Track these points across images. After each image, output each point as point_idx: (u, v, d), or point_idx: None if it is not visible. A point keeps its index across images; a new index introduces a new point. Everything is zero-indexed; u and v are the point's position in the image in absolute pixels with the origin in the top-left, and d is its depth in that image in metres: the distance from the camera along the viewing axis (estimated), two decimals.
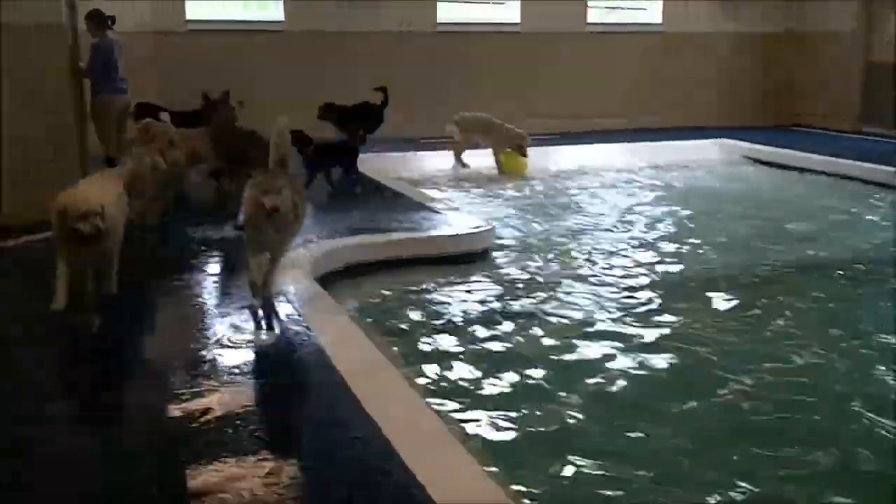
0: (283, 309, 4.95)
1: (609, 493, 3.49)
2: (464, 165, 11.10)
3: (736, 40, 14.88)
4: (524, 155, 10.63)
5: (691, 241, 7.71)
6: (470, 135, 10.94)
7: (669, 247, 7.50)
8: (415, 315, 5.59)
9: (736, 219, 8.67)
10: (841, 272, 6.75)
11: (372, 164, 10.07)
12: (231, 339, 4.48)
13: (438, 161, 11.35)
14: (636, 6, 14.92)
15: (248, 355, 4.32)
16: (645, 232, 8.05)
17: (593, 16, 14.34)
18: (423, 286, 6.12)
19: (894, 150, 11.58)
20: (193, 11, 12.42)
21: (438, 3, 13.44)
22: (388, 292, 5.97)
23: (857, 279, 6.62)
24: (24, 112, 6.97)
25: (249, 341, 4.48)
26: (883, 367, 4.80)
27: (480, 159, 11.11)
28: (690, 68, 14.62)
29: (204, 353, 4.30)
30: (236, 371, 4.08)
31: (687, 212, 8.88)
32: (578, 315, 5.70)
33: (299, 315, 4.83)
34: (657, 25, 14.64)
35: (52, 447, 3.43)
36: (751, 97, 14.98)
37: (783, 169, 11.39)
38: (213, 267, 6.03)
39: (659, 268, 6.87)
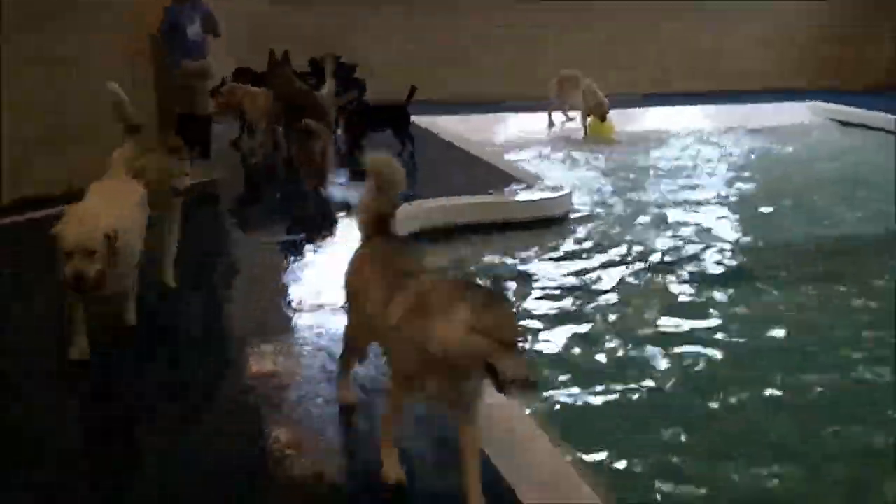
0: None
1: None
2: (552, 124, 10.98)
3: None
4: (603, 119, 10.33)
5: (779, 208, 7.35)
6: (564, 93, 10.77)
7: (757, 214, 7.17)
8: (491, 279, 5.42)
9: (827, 185, 8.24)
10: None
11: (443, 124, 9.91)
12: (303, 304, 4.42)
13: (516, 123, 11.13)
14: None
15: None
16: (729, 199, 7.72)
17: None
18: (497, 252, 5.94)
19: None
20: None
21: None
22: (462, 258, 5.82)
23: None
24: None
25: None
26: None
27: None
28: (775, 28, 13.95)
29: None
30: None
31: (772, 178, 8.51)
32: (660, 283, 5.46)
33: None
34: None
35: None
36: (839, 59, 14.20)
37: (875, 131, 10.80)
38: None
39: (748, 237, 6.56)
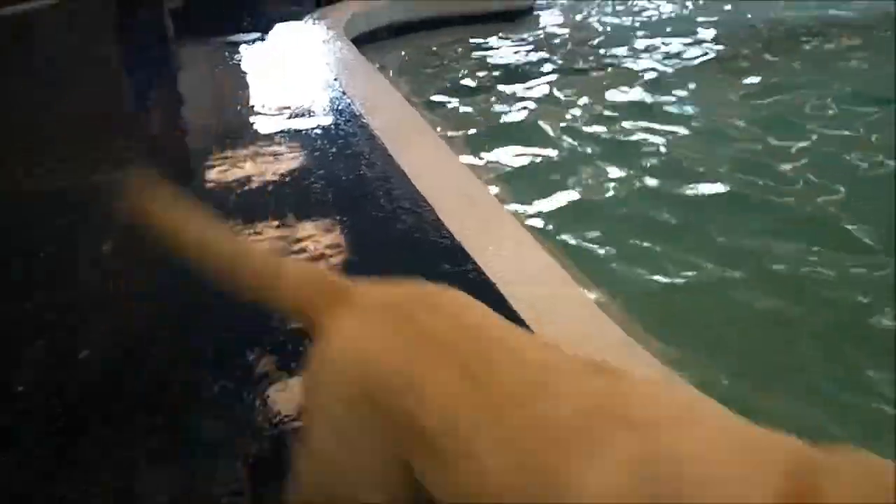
0: (318, 74, 4.71)
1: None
2: None
3: None
4: None
5: None
6: None
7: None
8: (454, 75, 5.34)
9: None
10: None
11: None
12: (269, 108, 4.32)
13: None
14: None
15: (284, 124, 4.14)
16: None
17: None
18: (462, 45, 5.81)
19: None
20: None
21: None
22: (425, 53, 5.69)
23: None
24: None
25: (285, 108, 4.30)
26: None
27: None
28: None
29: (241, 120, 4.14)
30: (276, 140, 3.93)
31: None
32: (619, 80, 5.39)
33: (335, 79, 4.60)
34: None
35: None
36: None
37: None
38: None
39: (711, 27, 6.45)
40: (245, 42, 5.45)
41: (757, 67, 5.45)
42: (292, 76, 4.76)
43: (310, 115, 4.13)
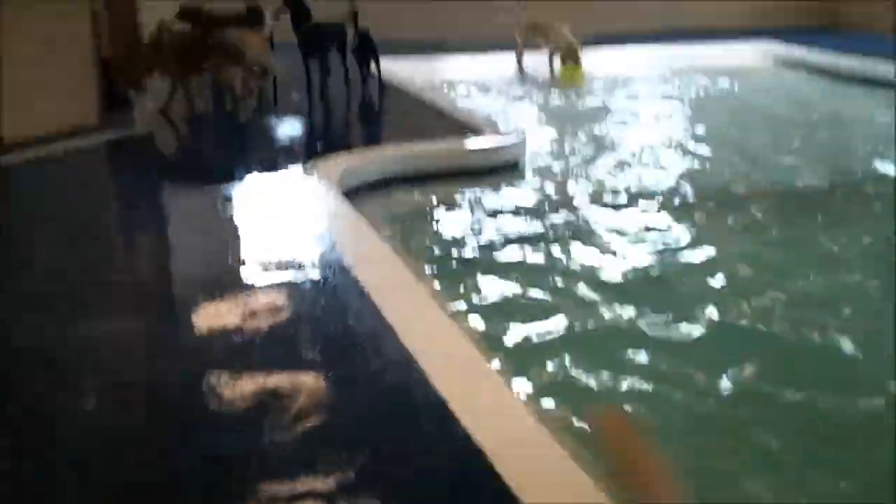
0: (307, 227, 4.79)
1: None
2: (522, 71, 10.76)
3: None
4: (576, 63, 10.16)
5: (733, 155, 7.39)
6: (529, 38, 10.62)
7: (709, 161, 7.20)
8: (441, 231, 5.43)
9: (778, 130, 8.32)
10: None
11: (398, 68, 9.80)
12: (257, 260, 4.36)
13: (466, 66, 11.03)
14: None
15: (272, 277, 4.18)
16: (680, 144, 7.74)
17: None
18: (451, 199, 5.93)
19: None
20: None
21: None
22: (413, 207, 5.80)
23: None
24: None
25: (275, 260, 4.34)
26: None
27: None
28: None
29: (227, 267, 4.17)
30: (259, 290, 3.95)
31: (723, 122, 8.57)
32: (607, 237, 5.48)
33: (326, 231, 4.67)
34: None
35: None
36: None
37: (822, 73, 10.90)
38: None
39: (701, 178, 6.63)
40: (235, 192, 5.55)
41: (754, 229, 5.57)
42: (283, 228, 4.83)
43: (299, 269, 4.17)
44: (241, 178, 5.82)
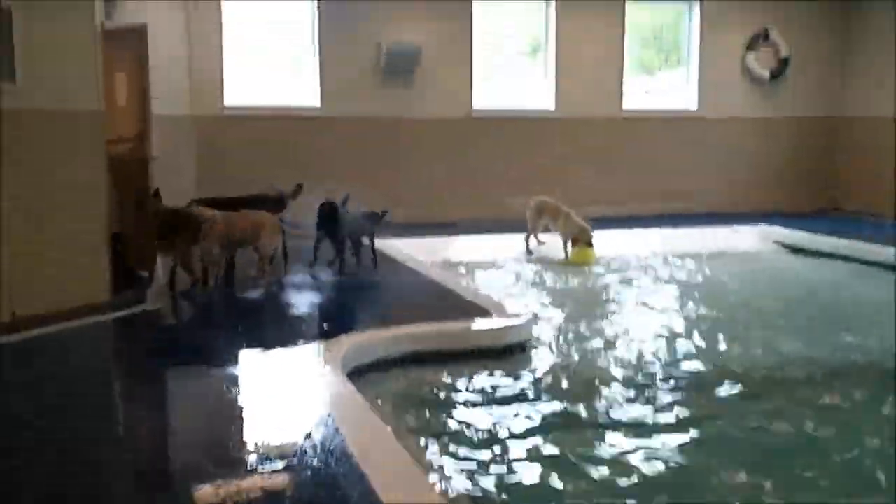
0: (311, 408, 4.74)
1: None
2: (530, 252, 10.96)
3: (774, 125, 14.82)
4: (589, 246, 10.45)
5: (734, 338, 7.39)
6: (540, 219, 10.88)
7: (712, 344, 7.19)
8: (447, 413, 5.35)
9: (778, 313, 8.35)
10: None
11: (405, 248, 10.01)
12: (258, 442, 4.29)
13: (476, 245, 11.24)
14: (672, 91, 14.92)
15: (273, 461, 4.10)
16: (690, 323, 7.77)
17: (629, 101, 14.33)
18: (455, 382, 5.88)
19: None
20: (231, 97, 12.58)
21: (474, 91, 13.52)
22: (417, 389, 5.75)
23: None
24: None
25: (277, 443, 4.28)
26: None
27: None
28: (727, 152, 14.59)
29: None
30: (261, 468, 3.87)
31: (724, 306, 8.61)
32: (618, 418, 5.42)
33: (328, 415, 4.62)
34: (693, 111, 14.59)
35: None
36: (789, 182, 14.82)
37: (822, 257, 11.06)
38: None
39: (709, 362, 6.60)
40: (239, 371, 5.54)
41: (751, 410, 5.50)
42: (286, 409, 4.79)
43: (301, 453, 4.11)
44: (247, 358, 5.83)
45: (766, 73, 14.63)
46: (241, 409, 4.87)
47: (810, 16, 14.74)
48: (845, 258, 10.70)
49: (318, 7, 12.70)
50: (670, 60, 15.02)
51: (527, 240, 11.07)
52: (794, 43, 14.62)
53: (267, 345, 6.14)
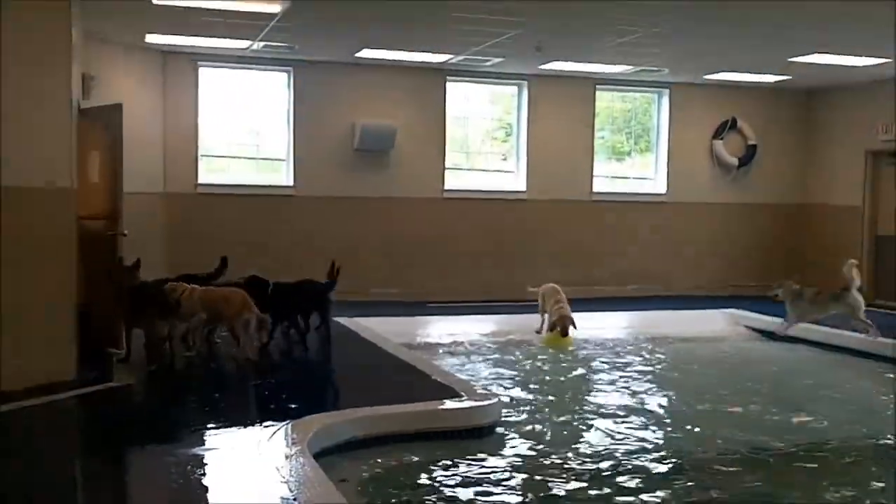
0: (276, 490, 4.66)
1: None
2: (539, 330, 10.90)
3: (741, 211, 15.10)
4: (564, 335, 10.40)
5: (699, 420, 7.43)
6: (546, 303, 10.88)
7: (679, 426, 7.21)
8: (411, 497, 5.29)
9: (747, 395, 8.39)
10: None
11: (373, 327, 9.99)
12: None
13: (445, 325, 11.24)
14: (641, 175, 15.21)
15: None
16: (651, 410, 7.76)
17: (599, 185, 14.58)
18: (423, 463, 5.83)
19: None
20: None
21: (447, 172, 13.73)
22: (386, 470, 5.68)
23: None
24: None
25: None
26: None
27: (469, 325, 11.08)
28: (694, 237, 14.83)
29: None
30: None
31: (692, 388, 8.65)
32: (580, 498, 5.39)
33: (293, 498, 4.54)
34: (661, 195, 14.86)
35: None
36: (757, 267, 15.02)
37: (791, 342, 11.16)
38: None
39: (668, 449, 6.59)
40: (202, 451, 5.46)
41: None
42: (249, 492, 4.71)
43: None
44: (211, 438, 5.74)
45: (734, 160, 14.98)
46: (202, 492, 4.77)
47: (777, 107, 15.18)
48: (811, 343, 10.79)
49: (293, 90, 12.92)
50: (640, 146, 15.36)
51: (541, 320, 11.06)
52: (760, 132, 15.03)
53: (234, 424, 6.06)
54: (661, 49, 11.62)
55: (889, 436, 6.99)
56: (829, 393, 8.58)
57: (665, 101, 14.84)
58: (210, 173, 12.76)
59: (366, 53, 12.18)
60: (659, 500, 5.37)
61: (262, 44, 11.47)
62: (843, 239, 14.57)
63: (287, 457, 5.21)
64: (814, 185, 15.34)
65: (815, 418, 7.44)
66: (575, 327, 10.44)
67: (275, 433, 5.69)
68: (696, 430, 7.07)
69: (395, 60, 12.64)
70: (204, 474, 5.02)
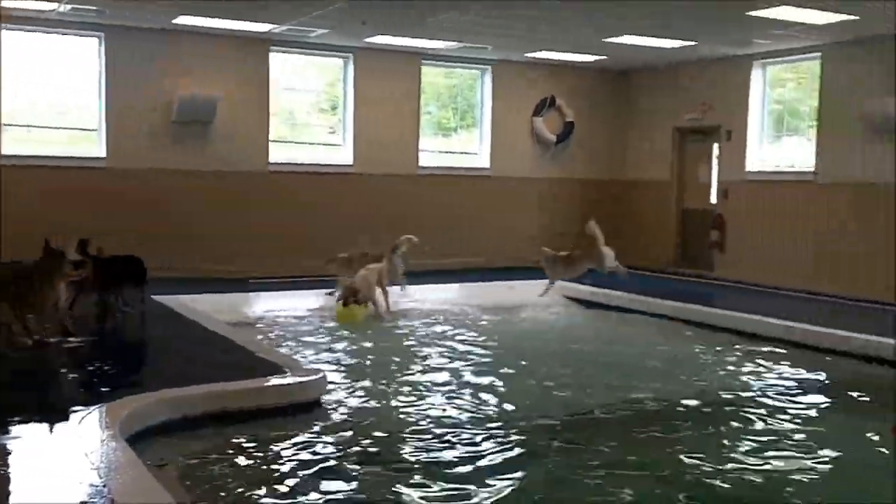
0: (85, 477, 4.43)
1: None
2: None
3: (561, 185, 15.65)
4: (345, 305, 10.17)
5: (524, 383, 7.70)
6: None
7: (504, 391, 7.42)
8: (237, 477, 5.16)
9: (569, 361, 8.74)
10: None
11: (195, 305, 9.70)
12: None
13: (270, 302, 11.04)
14: (466, 151, 15.45)
15: None
16: (477, 375, 7.95)
17: (425, 159, 14.72)
18: (248, 443, 5.71)
19: (708, 291, 12.33)
20: None
21: (271, 145, 13.46)
22: (208, 451, 5.52)
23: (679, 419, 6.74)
24: None
25: None
26: None
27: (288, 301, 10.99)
28: (517, 211, 15.25)
29: None
30: None
31: (512, 354, 8.93)
32: (414, 465, 5.45)
33: (104, 485, 4.33)
34: (486, 170, 15.17)
35: None
36: (578, 239, 15.62)
37: (604, 309, 11.72)
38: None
39: (494, 411, 6.77)
40: (4, 442, 5.12)
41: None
42: (57, 480, 4.45)
43: None
44: (16, 426, 5.39)
45: (552, 137, 15.48)
46: (2, 486, 4.48)
47: (594, 86, 15.79)
48: (626, 310, 11.39)
49: (104, 58, 12.23)
50: (466, 121, 15.60)
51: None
52: (577, 110, 15.59)
53: (42, 410, 5.72)
54: (485, 27, 11.81)
55: (701, 390, 7.54)
56: (641, 353, 9.08)
57: (488, 78, 15.13)
58: (16, 144, 11.88)
59: (183, 20, 11.71)
60: (483, 468, 5.48)
61: (68, 6, 10.78)
62: (654, 212, 15.46)
63: (98, 442, 4.97)
64: (628, 162, 16.12)
65: (635, 380, 7.82)
66: (357, 301, 10.17)
67: (84, 418, 5.41)
68: (520, 397, 7.27)
69: (215, 28, 12.21)
70: (6, 466, 4.71)
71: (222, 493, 4.89)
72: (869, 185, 12.18)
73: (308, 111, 14.47)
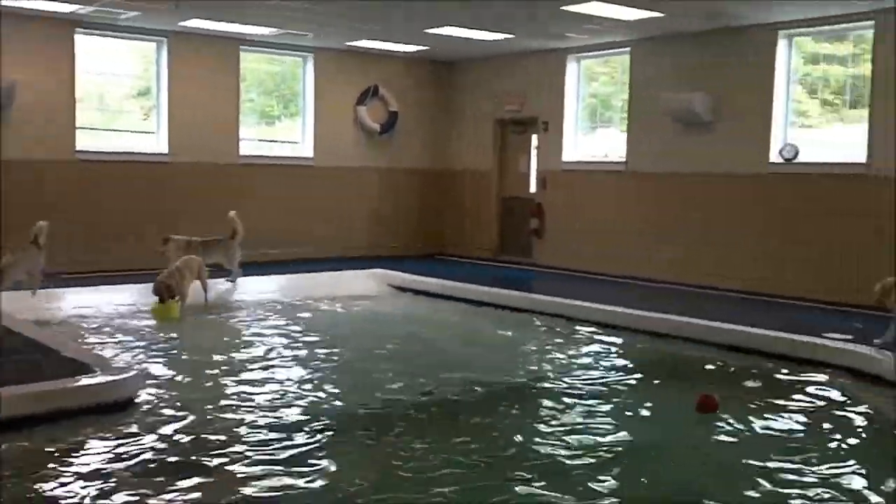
0: None
1: None
2: None
3: (385, 175, 15.70)
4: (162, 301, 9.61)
5: (350, 374, 7.69)
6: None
7: (330, 381, 7.36)
8: (42, 482, 4.86)
9: (395, 348, 8.78)
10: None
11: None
12: None
13: (81, 298, 10.45)
14: (290, 139, 15.21)
15: None
16: (305, 367, 7.86)
17: (246, 148, 14.37)
18: (54, 446, 5.38)
19: (527, 276, 12.73)
20: None
21: (78, 132, 12.72)
22: (13, 457, 5.17)
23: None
24: None
25: None
26: None
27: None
28: (341, 201, 15.17)
29: None
30: None
31: (341, 345, 8.88)
32: (237, 463, 5.31)
33: None
34: (309, 159, 14.99)
35: None
36: (402, 228, 15.76)
37: (430, 297, 11.87)
38: None
39: (323, 404, 6.70)
40: None
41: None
42: None
43: None
44: None
45: (376, 126, 15.49)
46: None
47: (418, 76, 15.92)
48: (450, 298, 11.56)
49: None
50: (290, 110, 15.34)
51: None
52: (401, 100, 15.66)
53: None
54: (304, 13, 11.64)
55: (521, 373, 7.76)
56: (465, 338, 9.25)
57: (310, 66, 14.94)
58: None
59: None
60: (303, 463, 5.41)
61: None
62: (478, 201, 15.81)
63: None
64: (452, 151, 16.38)
65: (459, 364, 7.95)
66: (172, 296, 9.66)
67: None
68: (349, 387, 7.24)
69: (12, 7, 11.40)
70: None
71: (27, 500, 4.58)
72: (672, 174, 12.93)
73: (121, 98, 13.79)
